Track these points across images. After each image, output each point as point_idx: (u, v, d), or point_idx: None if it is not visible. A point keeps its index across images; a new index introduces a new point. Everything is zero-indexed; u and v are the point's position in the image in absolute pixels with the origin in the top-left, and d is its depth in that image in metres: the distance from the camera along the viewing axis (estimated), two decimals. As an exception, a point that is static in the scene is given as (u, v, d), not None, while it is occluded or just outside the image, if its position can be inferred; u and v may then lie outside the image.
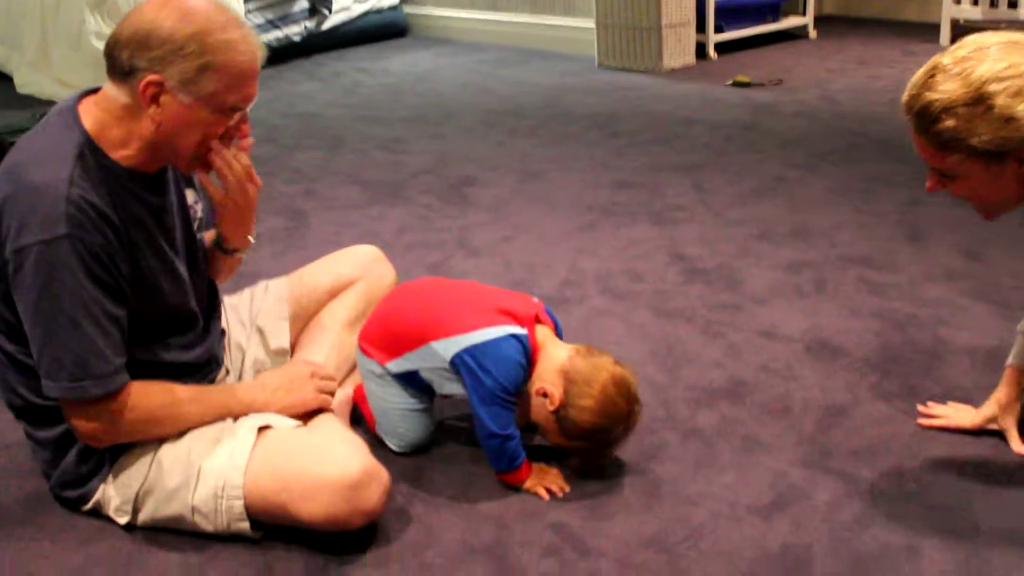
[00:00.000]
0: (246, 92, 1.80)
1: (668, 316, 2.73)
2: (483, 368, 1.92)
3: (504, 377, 1.92)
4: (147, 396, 1.83)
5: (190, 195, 2.00)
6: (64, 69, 5.78)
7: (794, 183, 3.83)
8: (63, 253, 1.69)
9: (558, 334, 2.09)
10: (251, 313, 2.27)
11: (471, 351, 1.94)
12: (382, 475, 1.84)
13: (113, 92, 1.78)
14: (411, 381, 2.06)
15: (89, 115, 1.79)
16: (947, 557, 1.77)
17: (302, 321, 2.29)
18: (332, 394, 2.04)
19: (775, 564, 1.77)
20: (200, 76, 1.73)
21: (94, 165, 1.76)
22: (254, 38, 1.80)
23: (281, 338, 2.25)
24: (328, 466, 1.78)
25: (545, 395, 1.94)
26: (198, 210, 2.03)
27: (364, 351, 2.11)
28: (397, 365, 2.05)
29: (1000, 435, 2.10)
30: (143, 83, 1.72)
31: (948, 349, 2.51)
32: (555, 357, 1.98)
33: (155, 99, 1.74)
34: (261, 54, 1.81)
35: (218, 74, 1.74)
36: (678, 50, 5.88)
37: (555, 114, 4.98)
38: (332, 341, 2.25)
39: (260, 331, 2.25)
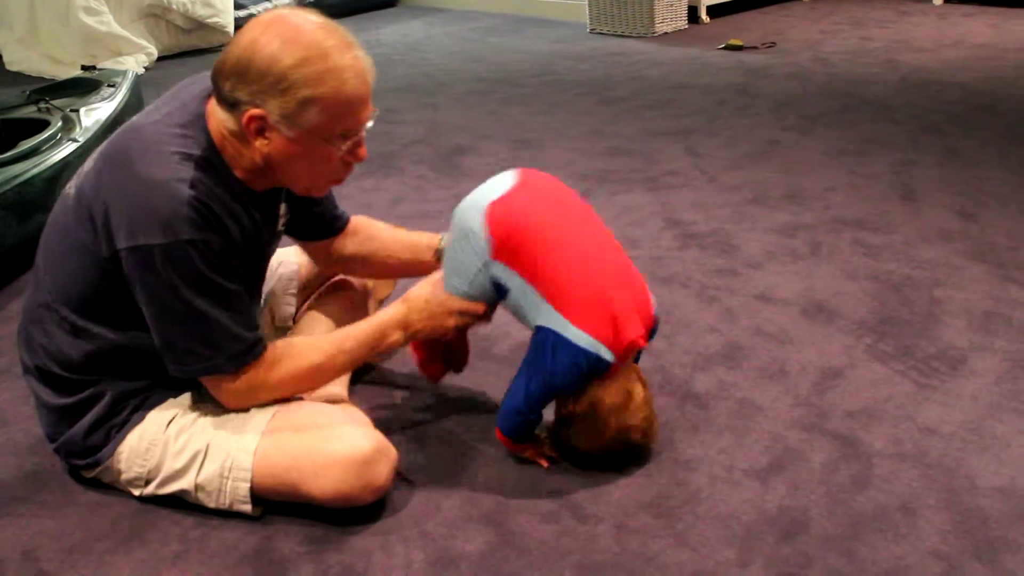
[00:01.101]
0: (355, 120, 1.73)
1: (664, 282, 2.73)
2: (554, 358, 1.84)
3: (562, 380, 1.86)
4: (288, 359, 1.84)
5: (283, 208, 1.99)
6: (53, 45, 5.76)
7: (787, 146, 3.82)
8: (187, 255, 1.66)
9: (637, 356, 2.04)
10: (264, 293, 2.24)
11: (559, 337, 1.84)
12: (391, 452, 1.84)
13: (223, 116, 1.73)
14: (495, 289, 1.94)
15: (212, 120, 1.75)
16: (944, 517, 1.78)
17: (311, 290, 2.31)
18: (468, 324, 2.01)
19: (772, 526, 1.78)
20: (303, 109, 1.66)
21: (215, 173, 1.73)
22: (363, 62, 1.72)
23: (286, 313, 2.26)
24: (339, 443, 1.79)
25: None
26: (284, 223, 2.02)
27: (491, 224, 1.90)
28: (502, 271, 1.91)
29: (997, 397, 2.11)
30: (245, 117, 1.68)
31: (944, 310, 2.51)
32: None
33: (260, 132, 1.70)
34: (371, 77, 1.74)
35: (321, 105, 1.67)
36: (670, 14, 5.85)
37: (547, 81, 4.96)
38: (333, 321, 2.23)
39: (270, 310, 2.25)
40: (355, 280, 2.32)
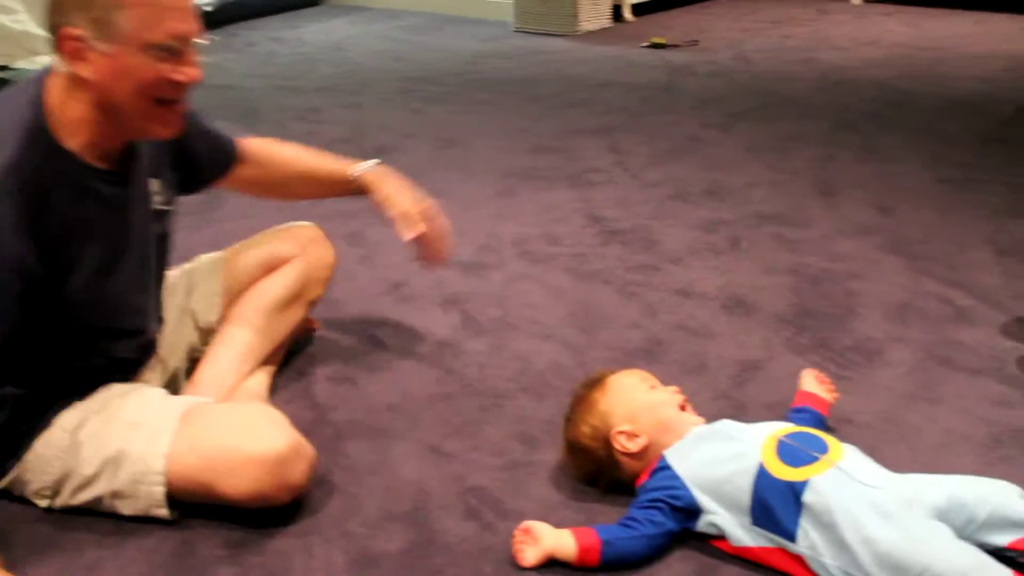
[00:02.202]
0: (170, 26, 1.65)
1: (586, 278, 2.74)
2: None
3: None
4: None
5: (154, 184, 1.93)
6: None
7: (709, 143, 3.86)
8: None
9: None
10: (185, 293, 2.21)
11: None
12: (307, 450, 1.82)
13: (55, 68, 1.68)
14: None
15: (53, 91, 1.69)
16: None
17: (234, 296, 2.23)
18: None
19: (692, 518, 1.79)
20: (112, 16, 1.60)
21: (43, 154, 1.67)
22: None
23: (210, 314, 2.21)
24: (254, 442, 1.76)
25: None
26: (161, 201, 1.96)
27: None
28: None
29: (911, 387, 2.15)
30: (61, 42, 1.62)
31: (860, 302, 2.55)
32: None
33: (79, 55, 1.63)
34: None
35: (132, 10, 1.61)
36: (594, 12, 5.88)
37: (471, 80, 4.96)
38: (259, 324, 2.18)
39: (192, 313, 2.20)
40: (288, 279, 2.25)
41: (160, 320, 2.09)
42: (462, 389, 2.23)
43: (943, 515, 1.56)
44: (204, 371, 2.11)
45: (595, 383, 1.89)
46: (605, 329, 2.47)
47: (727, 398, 2.15)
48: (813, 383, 1.99)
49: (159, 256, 2.00)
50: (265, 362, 2.21)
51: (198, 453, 1.77)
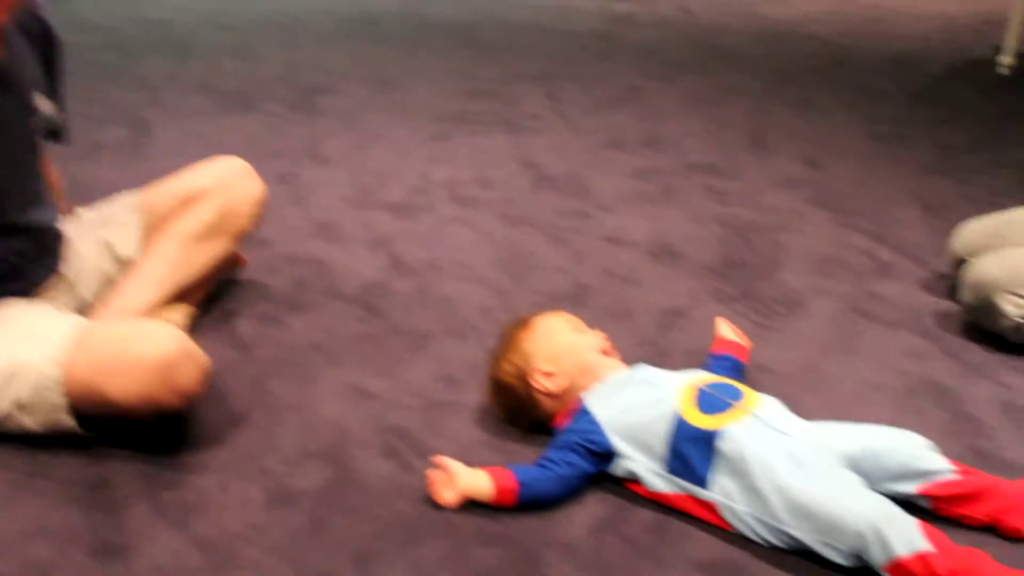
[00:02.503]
0: None
1: (516, 223, 2.74)
2: None
3: None
4: None
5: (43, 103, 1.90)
6: None
7: (647, 93, 3.86)
8: None
9: None
10: (100, 224, 2.17)
11: None
12: (198, 356, 1.79)
13: None
14: None
15: None
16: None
17: (154, 230, 2.19)
18: None
19: (609, 461, 1.81)
20: None
21: None
22: None
23: (128, 245, 2.17)
24: (144, 345, 1.73)
25: None
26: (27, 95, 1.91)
27: None
28: None
29: (830, 338, 2.18)
30: None
31: (786, 254, 2.58)
32: None
33: None
34: None
35: None
36: (537, -41, 5.83)
37: (411, 23, 4.91)
38: (173, 255, 2.15)
39: (108, 244, 2.16)
40: (205, 210, 2.19)
41: (57, 234, 2.05)
42: (387, 330, 2.23)
43: (855, 464, 1.60)
44: (113, 300, 2.09)
45: (522, 323, 1.90)
46: (533, 273, 2.47)
47: (650, 344, 2.16)
48: (728, 330, 2.01)
49: (30, 151, 1.96)
50: (185, 297, 2.18)
51: (89, 358, 1.74)
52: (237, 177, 2.24)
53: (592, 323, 1.95)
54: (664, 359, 2.10)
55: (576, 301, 2.34)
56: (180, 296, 2.17)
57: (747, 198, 2.91)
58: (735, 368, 1.92)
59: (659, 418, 1.67)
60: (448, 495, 1.67)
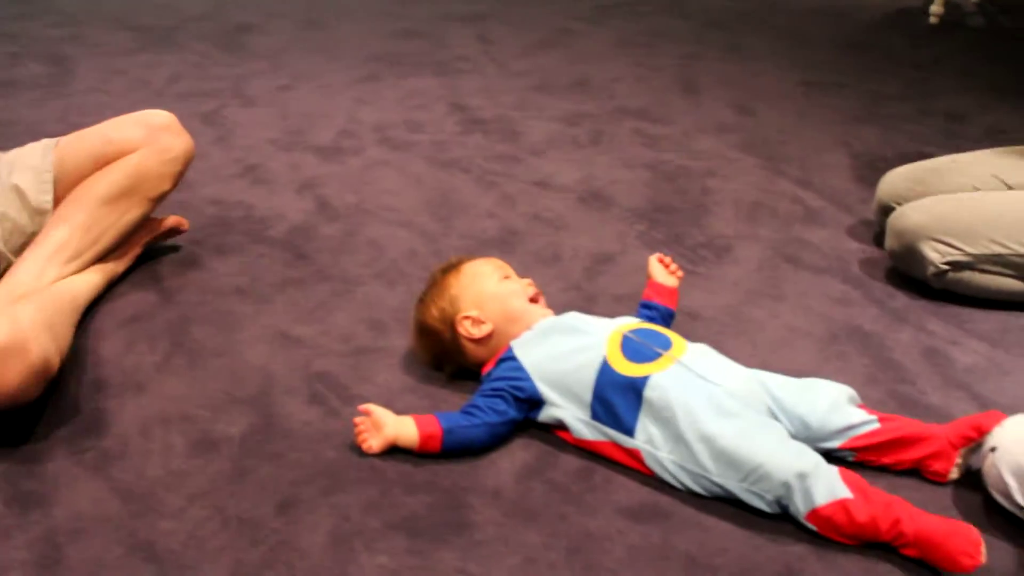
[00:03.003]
0: None
1: (444, 166, 2.72)
2: None
3: None
4: None
5: None
6: None
7: (578, 35, 3.83)
8: None
9: None
10: (8, 170, 2.05)
11: None
12: (30, 354, 1.63)
13: None
14: None
15: None
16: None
17: (69, 185, 2.07)
18: None
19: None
20: None
21: None
22: None
23: (42, 194, 2.05)
24: None
25: None
26: None
27: None
28: None
29: (757, 283, 2.19)
30: None
31: (714, 200, 2.58)
32: None
33: None
34: None
35: None
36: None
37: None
38: (81, 218, 2.04)
39: (18, 191, 2.04)
40: (119, 172, 2.08)
41: None
42: (313, 274, 2.20)
43: (779, 415, 1.61)
44: (9, 275, 1.97)
45: (450, 267, 1.88)
46: (461, 218, 2.45)
47: (578, 289, 2.16)
48: (660, 271, 1.99)
49: None
50: (104, 260, 2.10)
51: None
52: (158, 132, 2.11)
53: (520, 268, 1.94)
54: (592, 304, 2.10)
55: (504, 246, 2.32)
56: (95, 261, 2.08)
57: (677, 143, 2.90)
58: (664, 317, 1.92)
59: (586, 365, 1.67)
60: (373, 442, 1.66)
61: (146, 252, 2.22)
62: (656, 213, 2.50)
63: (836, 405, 1.63)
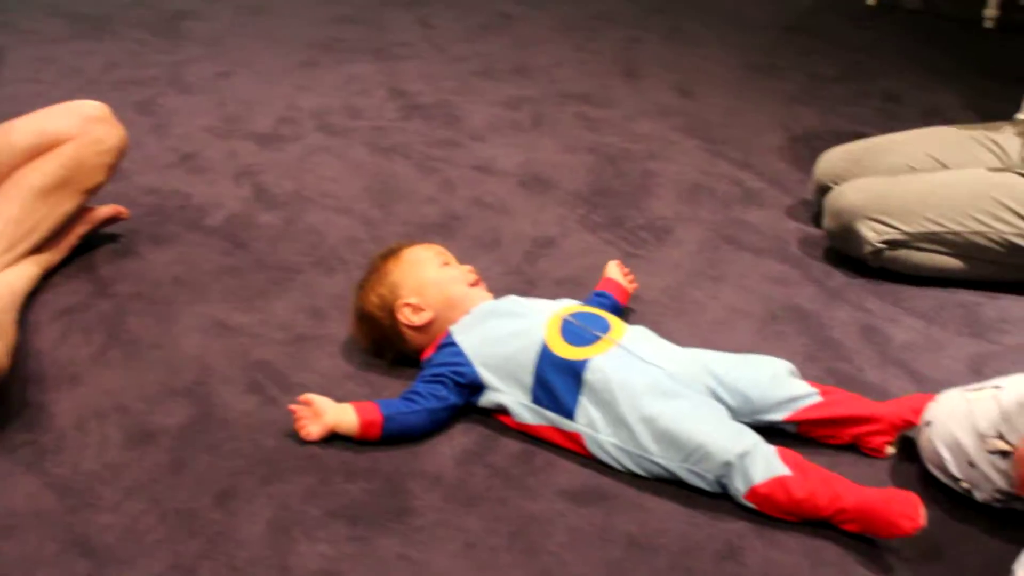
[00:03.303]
0: None
1: (384, 152, 2.70)
2: None
3: None
4: None
5: None
6: None
7: (520, 20, 3.82)
8: None
9: None
10: None
11: None
12: None
13: None
14: None
15: None
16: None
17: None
18: None
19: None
20: None
21: None
22: None
23: None
24: None
25: None
26: None
27: None
28: None
29: (697, 265, 2.20)
30: None
31: (656, 182, 2.59)
32: None
33: None
34: None
35: None
36: None
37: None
38: (14, 211, 2.00)
39: None
40: (52, 164, 2.04)
41: None
42: (251, 263, 2.17)
43: (721, 392, 1.62)
44: None
45: (390, 253, 1.87)
46: (402, 203, 2.44)
47: (518, 273, 2.16)
48: (616, 271, 2.00)
49: None
50: (38, 252, 2.06)
51: None
52: (92, 123, 2.08)
53: (461, 253, 1.93)
54: (533, 288, 2.09)
55: (445, 231, 2.31)
56: (29, 253, 2.05)
57: (618, 126, 2.90)
58: (613, 307, 1.92)
59: (525, 348, 1.67)
60: (313, 430, 1.64)
61: (81, 242, 2.19)
62: (597, 196, 2.50)
63: (777, 378, 1.65)
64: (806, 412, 1.63)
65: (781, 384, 1.64)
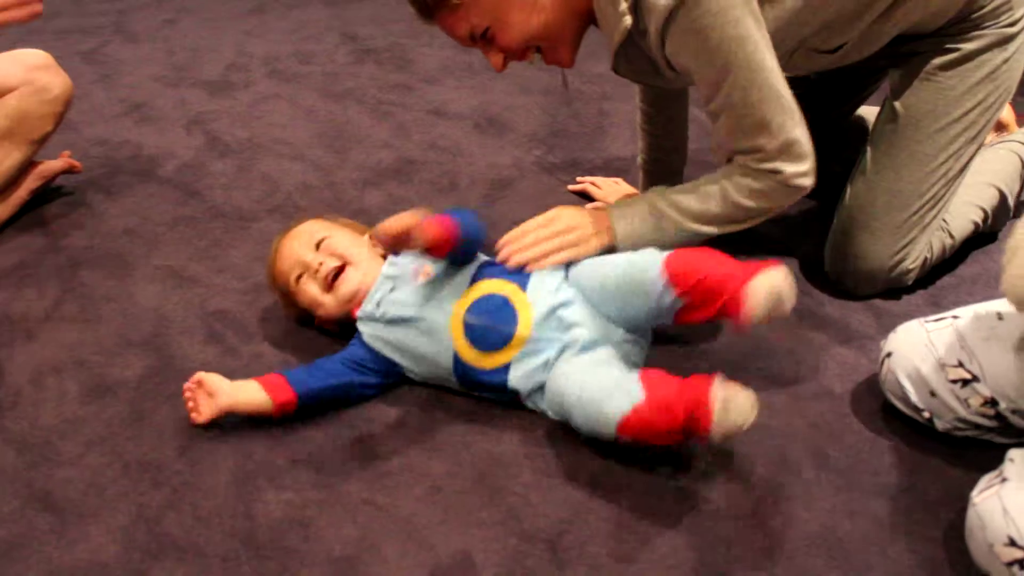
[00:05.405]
0: None
1: (337, 98, 2.67)
2: None
3: None
4: None
5: None
6: None
7: (469, -39, 3.77)
8: None
9: None
10: None
11: None
12: None
13: None
14: None
15: None
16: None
17: None
18: None
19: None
20: None
21: None
22: None
23: None
24: None
25: None
26: None
27: None
28: None
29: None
30: None
31: (611, 122, 2.57)
32: None
33: None
34: None
35: None
36: None
37: None
38: None
39: None
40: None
41: None
42: (205, 212, 2.15)
43: (619, 328, 1.58)
44: None
45: (279, 239, 1.75)
46: (356, 149, 2.41)
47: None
48: None
49: None
50: None
51: None
52: (35, 71, 2.06)
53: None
54: (492, 231, 2.07)
55: (400, 175, 2.29)
56: None
57: (572, 68, 2.88)
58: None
59: (439, 356, 1.59)
60: (204, 409, 1.56)
61: (31, 197, 2.15)
62: (553, 138, 2.48)
63: (647, 300, 1.52)
64: (681, 315, 1.52)
65: (651, 306, 1.52)
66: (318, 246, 1.69)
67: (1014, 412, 1.43)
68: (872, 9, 1.70)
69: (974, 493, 1.29)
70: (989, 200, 1.98)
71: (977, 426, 1.48)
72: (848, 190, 1.88)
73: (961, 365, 1.45)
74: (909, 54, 1.83)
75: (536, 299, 1.57)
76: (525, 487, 1.46)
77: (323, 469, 1.49)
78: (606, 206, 1.76)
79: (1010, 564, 1.21)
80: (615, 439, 1.43)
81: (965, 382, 1.45)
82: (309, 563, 1.34)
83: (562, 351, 1.54)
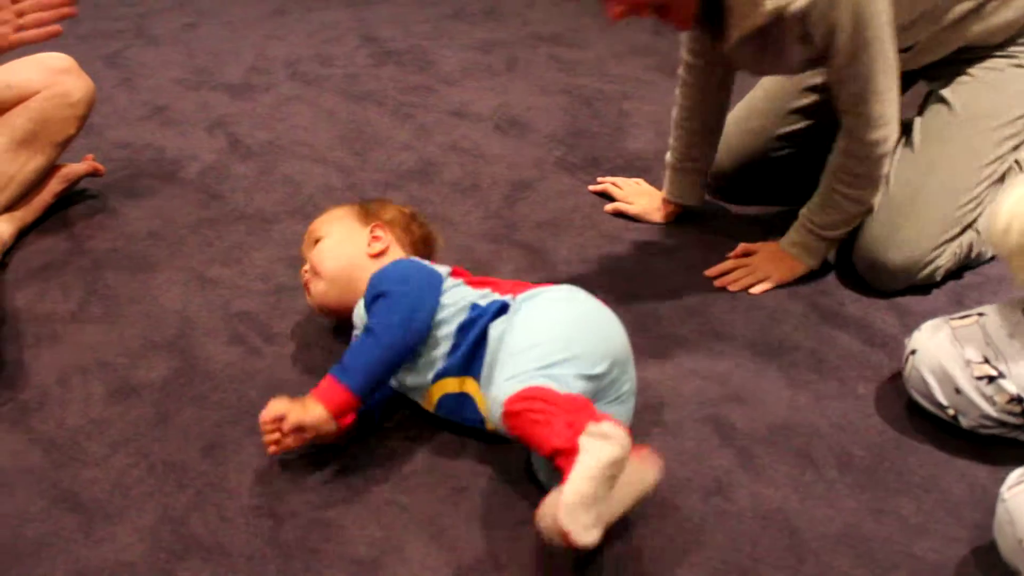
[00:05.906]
0: None
1: (358, 100, 2.67)
2: None
3: None
4: None
5: None
6: None
7: (488, -38, 3.78)
8: None
9: None
10: None
11: None
12: None
13: None
14: None
15: None
16: (624, 317, 1.84)
17: None
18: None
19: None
20: None
21: None
22: None
23: None
24: None
25: None
26: None
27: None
28: None
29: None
30: None
31: (631, 121, 2.57)
32: None
33: None
34: None
35: None
36: None
37: None
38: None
39: None
40: (20, 118, 2.02)
41: None
42: (228, 214, 2.16)
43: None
44: None
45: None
46: (377, 151, 2.42)
47: (498, 217, 2.14)
48: None
49: None
50: (12, 209, 2.05)
51: None
52: (59, 75, 2.06)
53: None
54: (513, 231, 2.09)
55: (422, 177, 2.30)
56: (3, 210, 2.03)
57: (592, 68, 2.88)
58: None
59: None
60: (288, 441, 1.47)
61: (55, 200, 2.16)
62: (573, 138, 2.48)
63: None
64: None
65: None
66: (316, 245, 1.72)
67: (1039, 410, 1.43)
68: (954, 11, 1.80)
69: (1004, 488, 1.29)
70: None
71: (1003, 423, 1.48)
72: (893, 179, 1.88)
73: (987, 362, 1.45)
74: (966, 61, 1.88)
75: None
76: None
77: (347, 469, 1.49)
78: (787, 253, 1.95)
79: (1037, 562, 1.21)
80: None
81: (991, 379, 1.45)
82: (333, 563, 1.35)
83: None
